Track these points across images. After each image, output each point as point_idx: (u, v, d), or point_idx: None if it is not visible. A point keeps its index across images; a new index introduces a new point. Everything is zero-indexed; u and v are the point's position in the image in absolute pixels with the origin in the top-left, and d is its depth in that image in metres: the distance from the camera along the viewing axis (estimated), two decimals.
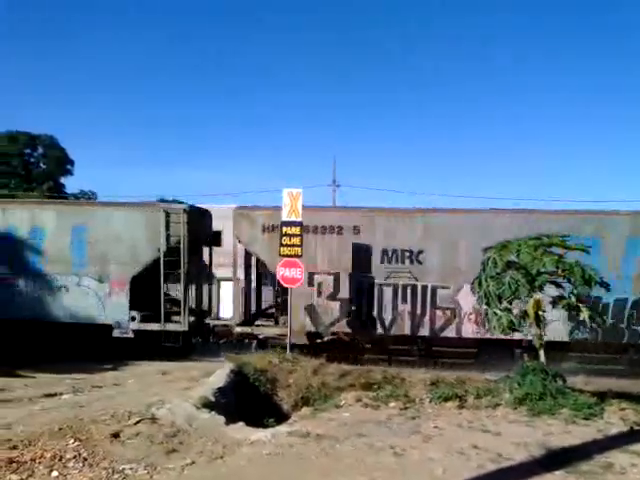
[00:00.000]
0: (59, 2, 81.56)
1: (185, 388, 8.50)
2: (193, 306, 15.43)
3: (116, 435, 5.89)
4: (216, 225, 16.32)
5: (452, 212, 14.18)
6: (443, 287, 13.52)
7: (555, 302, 8.59)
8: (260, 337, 14.41)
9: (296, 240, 12.05)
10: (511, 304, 8.36)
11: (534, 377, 7.68)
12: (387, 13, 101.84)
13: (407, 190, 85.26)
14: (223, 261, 16.74)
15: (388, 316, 13.72)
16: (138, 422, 6.36)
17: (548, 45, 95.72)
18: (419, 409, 7.51)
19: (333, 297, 13.87)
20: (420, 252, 13.59)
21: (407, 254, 13.61)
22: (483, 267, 8.54)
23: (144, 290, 14.41)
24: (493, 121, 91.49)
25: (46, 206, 15.48)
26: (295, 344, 12.64)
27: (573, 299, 8.39)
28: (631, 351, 13.25)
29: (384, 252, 13.67)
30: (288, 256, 12.08)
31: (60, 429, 6.02)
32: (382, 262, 13.68)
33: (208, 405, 7.33)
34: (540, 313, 8.27)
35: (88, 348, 13.91)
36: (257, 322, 15.19)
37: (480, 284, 8.43)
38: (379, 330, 13.80)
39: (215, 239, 16.36)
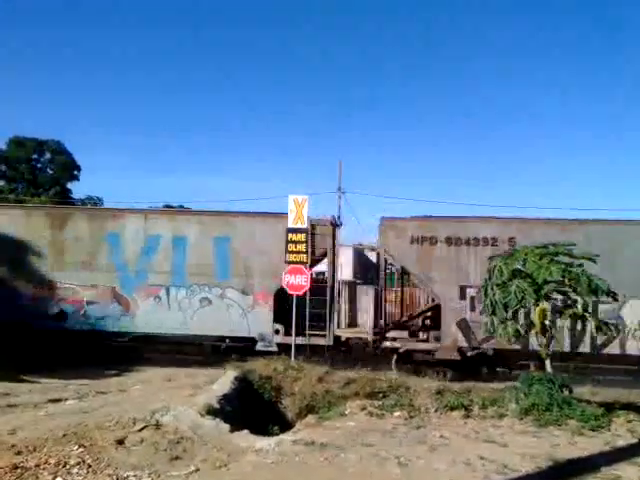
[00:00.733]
0: (68, 7, 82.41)
1: (190, 395, 8.50)
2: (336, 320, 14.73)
3: (120, 441, 5.89)
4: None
5: (614, 223, 13.63)
6: (605, 302, 13.05)
7: (561, 311, 8.54)
8: (401, 351, 13.73)
9: (302, 247, 12.09)
10: (517, 313, 8.33)
11: (540, 387, 7.62)
12: (392, 19, 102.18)
13: (414, 197, 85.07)
14: None
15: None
16: (142, 429, 6.35)
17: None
18: (424, 418, 7.47)
19: None
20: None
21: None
22: (489, 275, 8.50)
23: (281, 303, 13.89)
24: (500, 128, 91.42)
25: (188, 216, 14.99)
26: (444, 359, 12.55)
27: (579, 308, 8.34)
28: None
29: None
30: (294, 263, 12.10)
31: (64, 435, 6.04)
32: None
33: (212, 412, 7.32)
34: (546, 322, 8.22)
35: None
36: (390, 334, 14.39)
37: (486, 293, 8.39)
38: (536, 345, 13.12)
39: None
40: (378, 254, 15.52)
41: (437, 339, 13.33)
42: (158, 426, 6.49)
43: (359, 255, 29.27)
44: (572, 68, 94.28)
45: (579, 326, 11.86)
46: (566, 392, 7.75)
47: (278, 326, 13.69)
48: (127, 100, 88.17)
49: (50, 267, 13.99)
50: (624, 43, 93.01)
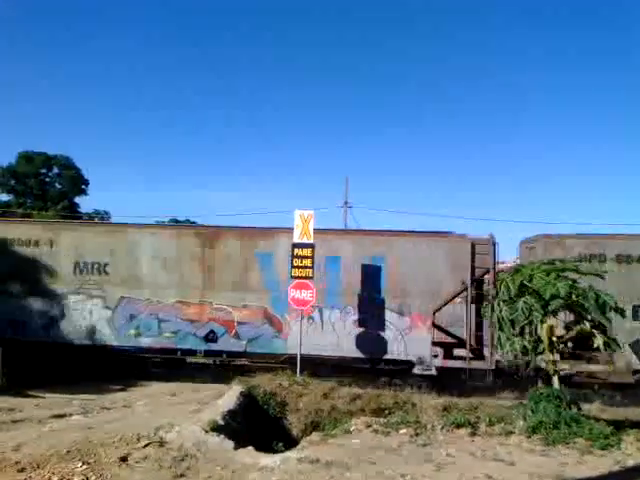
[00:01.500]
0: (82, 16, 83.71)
1: (195, 410, 8.46)
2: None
3: (124, 458, 5.86)
4: None
5: None
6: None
7: (569, 328, 8.47)
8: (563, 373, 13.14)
9: (307, 262, 12.07)
10: (524, 329, 8.26)
11: (548, 404, 7.53)
12: (403, 26, 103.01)
13: (420, 212, 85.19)
14: None
15: None
16: (147, 445, 6.32)
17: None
18: (430, 436, 7.37)
19: None
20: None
21: None
22: (496, 292, 8.46)
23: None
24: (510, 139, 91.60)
25: (342, 235, 14.68)
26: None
27: (587, 325, 8.26)
28: None
29: None
30: (300, 278, 12.09)
31: (68, 452, 6.01)
32: None
33: (217, 429, 7.26)
34: (554, 339, 8.15)
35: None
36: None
37: (492, 309, 8.34)
38: None
39: None
40: None
41: (607, 361, 12.45)
42: (162, 443, 6.45)
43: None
44: None
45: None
46: (574, 409, 7.66)
47: (437, 349, 13.07)
48: (133, 116, 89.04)
49: (202, 287, 13.83)
50: None
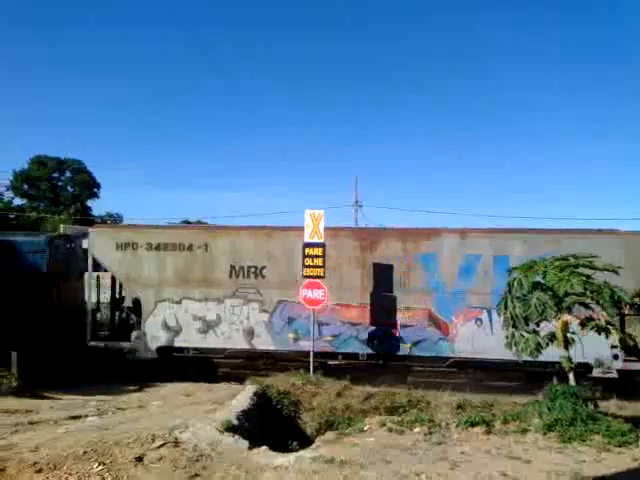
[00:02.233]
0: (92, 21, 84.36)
1: (209, 411, 8.48)
2: None
3: (139, 459, 5.90)
4: None
5: None
6: None
7: (584, 324, 8.37)
8: None
9: (318, 261, 12.07)
10: (538, 326, 8.19)
11: (564, 401, 7.45)
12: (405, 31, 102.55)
13: (430, 209, 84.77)
14: None
15: None
16: (161, 446, 6.35)
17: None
18: (445, 434, 7.32)
19: None
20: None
21: None
22: (508, 288, 8.39)
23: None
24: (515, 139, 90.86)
25: (511, 234, 13.71)
26: None
27: (602, 321, 8.17)
28: None
29: None
30: (311, 277, 12.11)
31: (84, 452, 6.05)
32: None
33: (231, 429, 7.29)
34: (568, 335, 8.07)
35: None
36: None
37: (505, 306, 8.27)
38: None
39: None
40: None
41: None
42: (177, 443, 6.48)
43: None
44: None
45: None
46: (591, 406, 7.57)
47: (616, 351, 12.06)
48: (145, 116, 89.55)
49: (361, 289, 13.45)
50: None
